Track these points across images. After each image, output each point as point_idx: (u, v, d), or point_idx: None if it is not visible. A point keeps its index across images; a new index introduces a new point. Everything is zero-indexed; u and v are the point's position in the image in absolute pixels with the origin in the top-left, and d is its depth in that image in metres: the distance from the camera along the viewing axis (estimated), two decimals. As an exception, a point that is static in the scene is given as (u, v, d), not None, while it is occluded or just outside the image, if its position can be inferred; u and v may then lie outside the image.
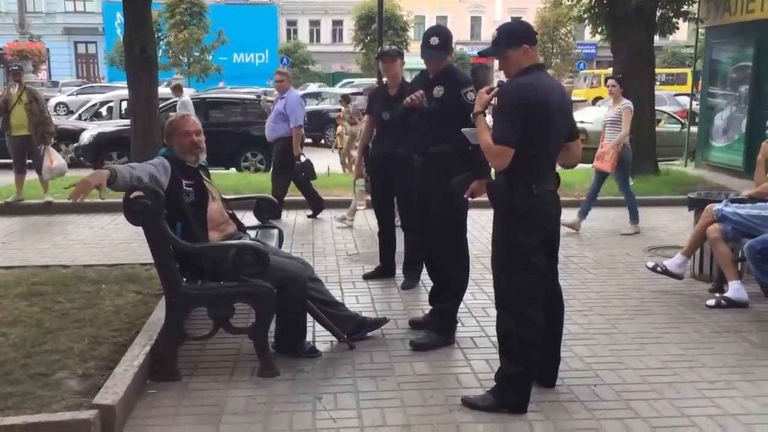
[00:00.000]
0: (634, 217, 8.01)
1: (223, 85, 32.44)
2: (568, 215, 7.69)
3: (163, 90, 13.22)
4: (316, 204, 8.79)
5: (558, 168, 3.72)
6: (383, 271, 6.01)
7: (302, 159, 8.44)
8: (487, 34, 52.69)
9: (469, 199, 4.26)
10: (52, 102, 24.63)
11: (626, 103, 7.95)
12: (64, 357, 3.90)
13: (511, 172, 3.46)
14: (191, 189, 4.13)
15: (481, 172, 4.17)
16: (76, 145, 14.15)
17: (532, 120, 3.35)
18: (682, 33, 18.38)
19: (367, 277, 6.01)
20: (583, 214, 8.03)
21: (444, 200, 4.36)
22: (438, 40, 4.47)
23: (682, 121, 15.41)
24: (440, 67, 4.52)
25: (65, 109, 29.29)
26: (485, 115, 3.55)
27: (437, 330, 4.51)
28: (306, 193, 8.82)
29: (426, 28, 51.13)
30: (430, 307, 4.72)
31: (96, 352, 3.99)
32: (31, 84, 11.07)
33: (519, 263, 3.51)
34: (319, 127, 20.76)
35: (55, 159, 9.10)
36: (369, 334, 4.54)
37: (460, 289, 4.64)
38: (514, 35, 3.50)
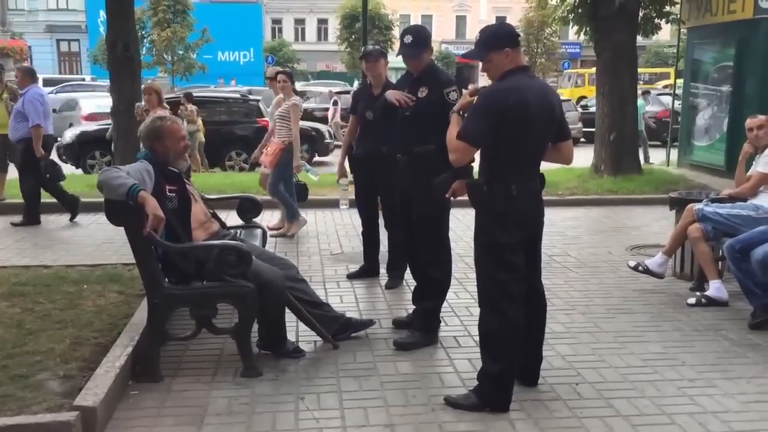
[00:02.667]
0: (292, 215, 7.62)
1: (222, 83, 32.21)
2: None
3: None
4: (70, 206, 8.35)
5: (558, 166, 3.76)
6: (367, 271, 6.02)
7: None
8: (472, 33, 52.50)
9: (451, 198, 4.29)
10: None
11: (294, 99, 7.45)
12: (45, 358, 3.87)
13: (491, 173, 3.50)
14: (174, 194, 4.09)
15: (463, 173, 4.18)
16: (57, 144, 14.02)
17: (511, 123, 3.38)
18: (665, 33, 18.53)
19: (351, 276, 6.02)
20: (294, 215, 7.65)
21: (426, 198, 4.38)
22: (411, 37, 4.48)
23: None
24: (421, 65, 4.53)
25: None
26: (462, 116, 3.58)
27: (421, 329, 4.52)
28: (57, 196, 8.39)
29: (411, 27, 50.40)
30: (414, 307, 4.73)
31: (77, 353, 3.97)
32: (13, 82, 10.95)
33: (498, 262, 3.54)
34: (303, 126, 20.71)
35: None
36: (353, 334, 4.55)
37: (443, 288, 4.65)
38: (496, 39, 3.52)
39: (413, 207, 4.54)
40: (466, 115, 3.56)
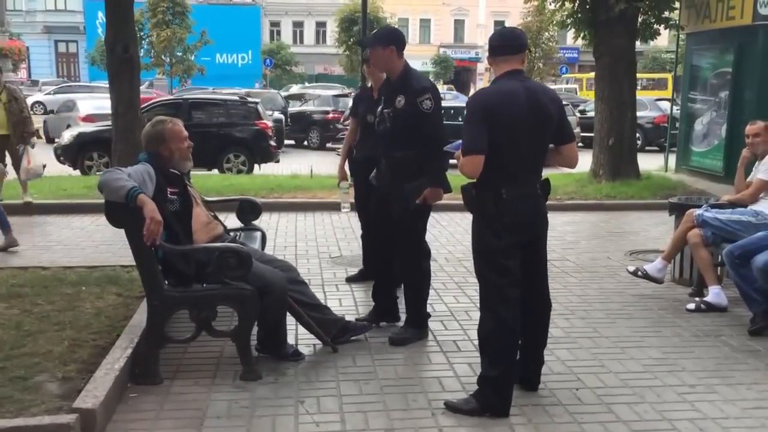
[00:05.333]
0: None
1: (187, 85, 32.02)
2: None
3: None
4: None
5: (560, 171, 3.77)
6: (366, 274, 6.00)
7: None
8: (471, 37, 52.95)
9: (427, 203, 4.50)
10: (30, 101, 24.43)
11: None
12: (44, 360, 3.86)
13: (481, 177, 3.50)
14: (176, 197, 4.08)
15: (436, 180, 4.43)
16: (56, 145, 14.03)
17: (496, 125, 3.41)
18: (663, 38, 18.51)
19: (350, 280, 6.01)
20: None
21: (404, 202, 4.50)
22: (375, 32, 4.85)
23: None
24: (388, 65, 4.57)
25: (42, 108, 29.02)
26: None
27: (413, 325, 4.63)
28: None
29: (410, 30, 50.75)
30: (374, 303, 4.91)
31: (76, 355, 3.95)
32: (11, 83, 10.91)
33: (491, 266, 3.55)
34: (302, 128, 20.77)
35: (32, 159, 8.98)
36: (353, 338, 4.54)
37: (423, 286, 4.70)
38: (492, 45, 3.66)
39: (392, 207, 4.62)
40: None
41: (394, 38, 4.57)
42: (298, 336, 4.55)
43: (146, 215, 3.64)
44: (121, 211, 3.78)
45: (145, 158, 4.14)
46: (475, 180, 3.56)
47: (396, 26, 39.79)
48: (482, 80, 48.59)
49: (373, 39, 4.69)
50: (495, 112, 3.42)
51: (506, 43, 3.62)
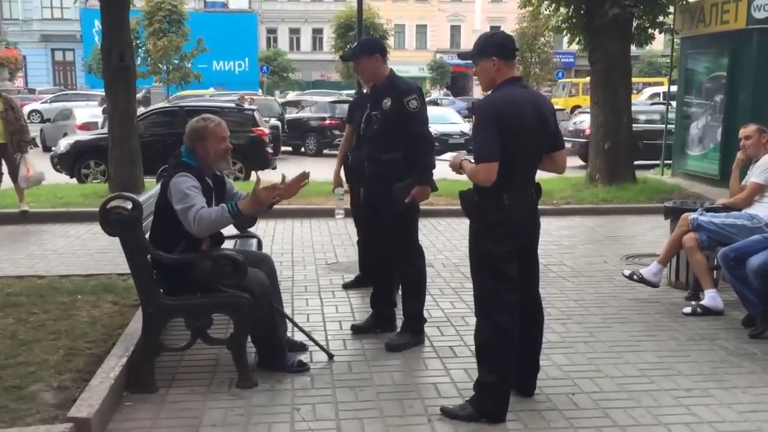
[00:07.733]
0: None
1: (213, 91, 31.86)
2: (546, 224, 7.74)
3: None
4: None
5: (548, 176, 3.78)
6: (363, 281, 6.00)
7: None
8: (467, 43, 52.98)
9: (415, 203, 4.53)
10: (26, 110, 24.45)
11: None
12: (39, 369, 3.85)
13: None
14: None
15: (423, 178, 4.48)
16: (52, 153, 14.02)
17: (506, 132, 3.41)
18: (659, 42, 18.58)
19: (346, 286, 6.01)
20: None
21: (393, 202, 4.51)
22: (356, 44, 4.91)
23: None
24: (375, 73, 4.65)
25: (39, 116, 29.02)
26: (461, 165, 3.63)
27: (409, 331, 4.62)
28: None
29: (406, 36, 50.64)
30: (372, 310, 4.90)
31: (71, 364, 3.95)
32: (7, 92, 10.92)
33: (491, 272, 3.55)
34: (299, 135, 20.78)
35: (31, 168, 8.99)
36: (349, 346, 4.53)
37: (420, 290, 4.73)
38: (485, 46, 3.59)
39: (382, 212, 4.64)
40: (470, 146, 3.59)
41: (378, 47, 4.71)
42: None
43: (270, 201, 3.93)
44: (116, 219, 3.79)
45: (185, 154, 4.11)
46: (473, 186, 3.57)
47: (393, 33, 39.94)
48: (478, 85, 48.56)
49: (359, 50, 4.72)
50: (505, 119, 3.42)
51: (505, 43, 3.62)
